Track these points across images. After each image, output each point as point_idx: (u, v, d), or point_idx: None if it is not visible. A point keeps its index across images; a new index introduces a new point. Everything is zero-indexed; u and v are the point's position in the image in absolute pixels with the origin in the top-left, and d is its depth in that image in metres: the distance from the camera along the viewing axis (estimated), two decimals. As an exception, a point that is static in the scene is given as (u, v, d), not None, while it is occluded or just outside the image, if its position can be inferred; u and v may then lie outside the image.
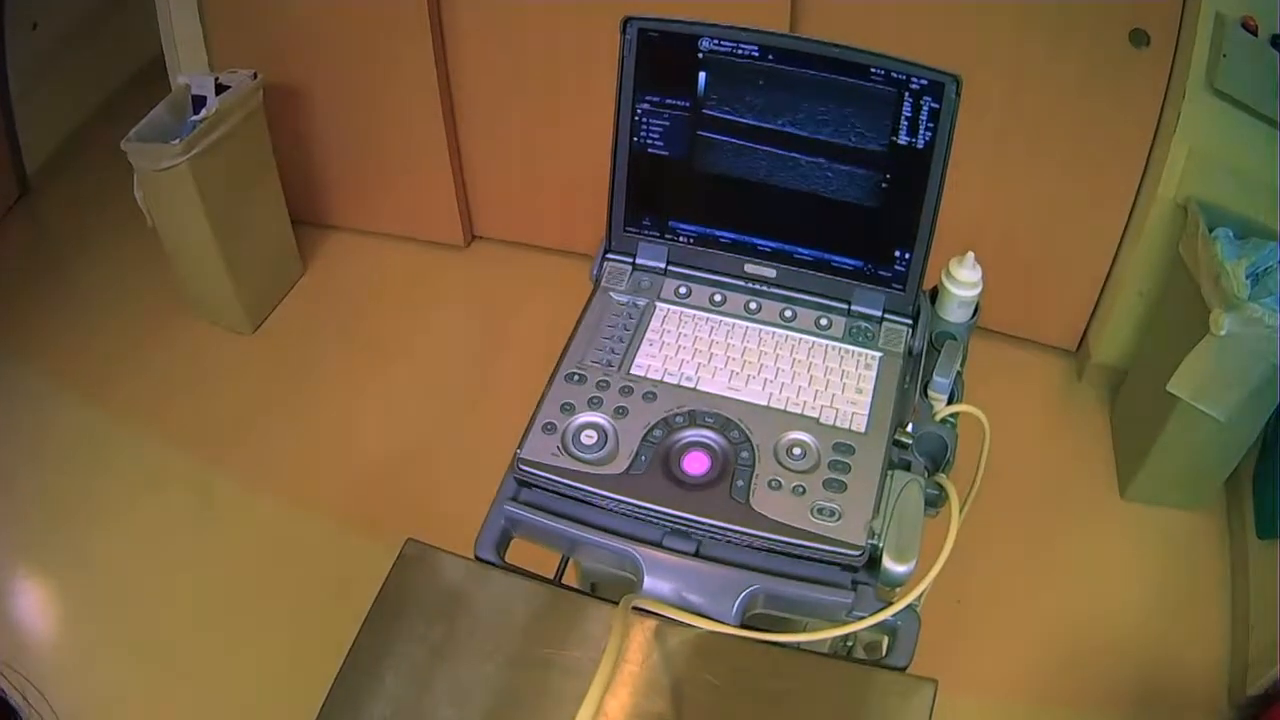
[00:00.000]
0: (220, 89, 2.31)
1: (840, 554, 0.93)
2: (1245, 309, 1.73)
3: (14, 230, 2.92)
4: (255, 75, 2.36)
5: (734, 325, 1.14)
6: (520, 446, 1.00)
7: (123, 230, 2.73)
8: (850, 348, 1.11)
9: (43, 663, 1.95)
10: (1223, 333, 1.76)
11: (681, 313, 1.15)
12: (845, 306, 1.14)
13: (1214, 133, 1.93)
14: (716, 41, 1.05)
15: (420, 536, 0.99)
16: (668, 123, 1.10)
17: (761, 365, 1.09)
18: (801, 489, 0.97)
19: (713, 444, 1.01)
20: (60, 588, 2.12)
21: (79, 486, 2.25)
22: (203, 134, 2.22)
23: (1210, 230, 1.88)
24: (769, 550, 0.95)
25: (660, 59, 1.07)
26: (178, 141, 2.18)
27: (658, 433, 1.01)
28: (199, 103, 2.32)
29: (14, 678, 0.62)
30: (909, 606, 0.94)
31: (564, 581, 1.04)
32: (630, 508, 0.97)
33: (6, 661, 0.63)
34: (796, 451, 1.00)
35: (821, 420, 1.03)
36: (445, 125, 2.55)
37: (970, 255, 1.15)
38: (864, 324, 1.13)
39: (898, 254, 1.09)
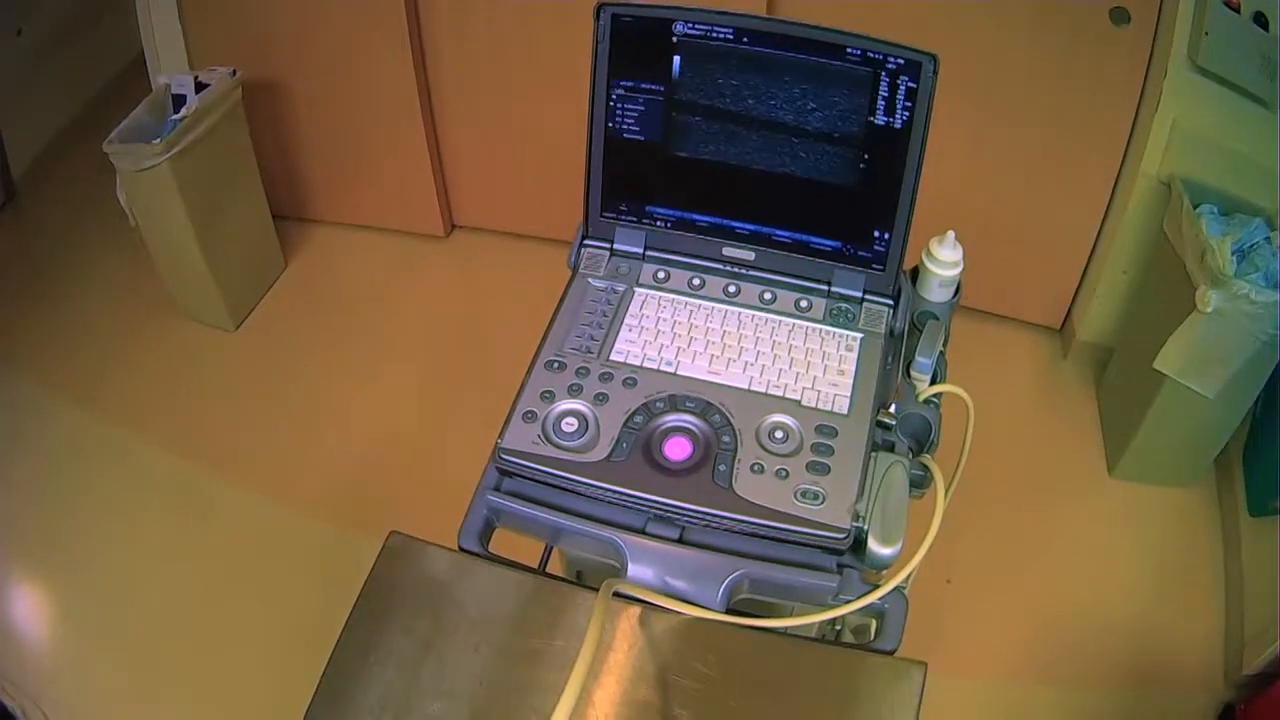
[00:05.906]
0: (200, 87, 2.31)
1: (825, 537, 0.92)
2: (1232, 286, 1.72)
3: (0, 235, 2.91)
4: (234, 72, 2.35)
5: (713, 309, 1.13)
6: (501, 436, 1.00)
7: (108, 232, 2.74)
8: (831, 329, 1.10)
9: (36, 665, 1.94)
10: (1209, 310, 1.76)
11: (660, 297, 1.14)
12: (825, 288, 1.13)
13: (1197, 109, 1.93)
14: (691, 25, 1.04)
15: (405, 528, 0.99)
16: (643, 107, 1.09)
17: (742, 348, 1.08)
18: (784, 472, 0.96)
19: (694, 429, 1.00)
20: (50, 588, 2.11)
21: (67, 487, 2.24)
22: (183, 133, 2.21)
23: (1195, 207, 1.88)
24: (753, 535, 0.94)
25: (634, 44, 1.06)
26: (158, 141, 2.17)
27: (639, 418, 1.01)
28: (179, 102, 2.30)
29: (11, 689, 0.62)
30: (896, 589, 0.93)
31: (549, 570, 1.03)
32: (612, 495, 0.96)
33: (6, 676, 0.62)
34: (779, 434, 0.99)
35: (803, 403, 1.03)
36: (423, 116, 2.54)
37: (951, 234, 1.14)
38: (844, 305, 1.12)
39: (877, 234, 1.09)
